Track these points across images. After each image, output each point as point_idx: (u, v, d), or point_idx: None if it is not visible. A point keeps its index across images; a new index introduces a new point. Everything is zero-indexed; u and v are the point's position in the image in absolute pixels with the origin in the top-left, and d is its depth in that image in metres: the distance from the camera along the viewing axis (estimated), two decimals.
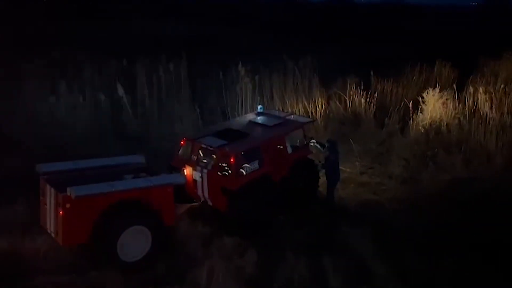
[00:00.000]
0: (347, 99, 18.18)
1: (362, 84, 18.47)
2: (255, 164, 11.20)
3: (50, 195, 9.49)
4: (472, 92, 17.64)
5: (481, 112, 16.55)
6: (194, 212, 11.65)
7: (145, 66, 18.80)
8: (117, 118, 16.98)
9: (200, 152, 11.32)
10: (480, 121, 15.94)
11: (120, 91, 17.13)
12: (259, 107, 13.45)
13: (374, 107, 17.80)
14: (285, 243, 10.57)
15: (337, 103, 18.13)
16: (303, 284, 9.42)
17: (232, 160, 10.75)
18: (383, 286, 9.41)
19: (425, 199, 13.06)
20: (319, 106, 17.77)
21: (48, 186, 9.54)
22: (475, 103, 17.18)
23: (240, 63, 17.91)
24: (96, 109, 16.96)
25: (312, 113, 17.60)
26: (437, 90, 17.01)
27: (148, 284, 9.21)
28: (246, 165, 11.09)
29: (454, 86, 17.78)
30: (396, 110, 17.26)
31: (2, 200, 11.23)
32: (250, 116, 13.29)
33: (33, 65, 18.17)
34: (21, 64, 18.23)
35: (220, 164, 10.92)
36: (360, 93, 18.01)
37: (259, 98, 17.47)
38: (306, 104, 17.75)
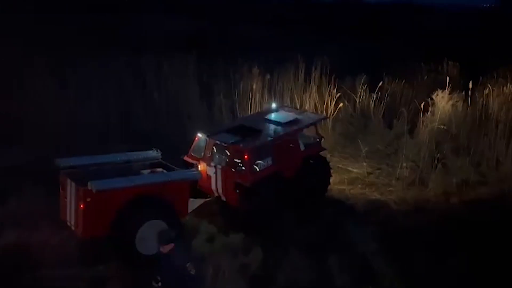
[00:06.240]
0: (356, 98, 18.13)
1: (371, 83, 18.41)
2: (268, 161, 11.35)
3: (70, 189, 9.62)
4: (482, 94, 17.53)
5: (491, 115, 16.45)
6: (200, 209, 11.68)
7: (154, 62, 18.83)
8: (125, 114, 17.02)
9: (214, 148, 11.46)
10: (490, 124, 15.85)
11: (129, 87, 17.17)
12: (272, 104, 13.52)
13: (383, 107, 17.74)
14: (291, 242, 10.58)
15: (346, 102, 18.09)
16: (308, 283, 9.41)
17: (246, 156, 10.90)
18: (388, 286, 9.41)
19: (432, 201, 13.03)
20: (329, 105, 17.73)
21: (68, 181, 9.67)
22: (485, 106, 17.08)
23: (250, 60, 17.90)
24: (104, 104, 17.00)
25: (322, 112, 17.56)
26: (447, 91, 16.93)
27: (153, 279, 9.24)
28: (259, 161, 11.25)
29: (464, 88, 17.70)
30: (405, 111, 17.19)
31: (11, 193, 11.33)
32: (263, 113, 13.43)
33: (42, 60, 18.21)
34: (30, 58, 18.29)
35: (233, 160, 11.06)
36: (369, 93, 17.95)
37: (271, 95, 17.47)
38: (316, 102, 17.73)
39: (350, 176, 14.37)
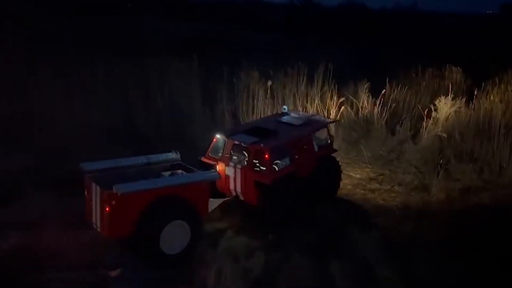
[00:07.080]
0: (359, 104, 18.13)
1: (373, 89, 18.41)
2: (286, 161, 11.64)
3: (95, 192, 9.76)
4: (485, 100, 17.52)
5: (494, 121, 16.43)
6: None
7: (156, 66, 18.86)
8: (128, 118, 17.02)
9: (232, 148, 11.63)
10: (493, 130, 15.83)
11: (131, 90, 17.19)
12: (283, 107, 13.93)
13: (386, 113, 17.74)
14: (293, 246, 10.60)
15: (349, 108, 18.09)
16: (309, 286, 9.41)
17: (266, 155, 11.16)
18: None
19: (435, 207, 13.01)
20: (332, 111, 17.74)
21: (93, 184, 9.82)
22: (487, 111, 17.06)
23: (251, 63, 17.92)
24: (107, 108, 17.00)
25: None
26: (450, 97, 16.93)
27: (156, 285, 9.26)
28: (278, 161, 11.48)
29: (467, 93, 17.70)
30: (408, 117, 17.19)
31: (18, 197, 11.39)
32: (276, 116, 13.84)
33: (44, 63, 18.24)
34: (32, 62, 18.31)
35: (253, 160, 11.28)
36: (372, 99, 17.95)
37: (274, 101, 17.52)
38: (319, 108, 17.75)
39: (352, 182, 14.36)
